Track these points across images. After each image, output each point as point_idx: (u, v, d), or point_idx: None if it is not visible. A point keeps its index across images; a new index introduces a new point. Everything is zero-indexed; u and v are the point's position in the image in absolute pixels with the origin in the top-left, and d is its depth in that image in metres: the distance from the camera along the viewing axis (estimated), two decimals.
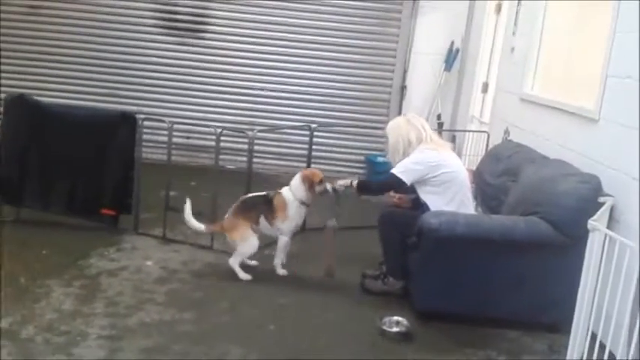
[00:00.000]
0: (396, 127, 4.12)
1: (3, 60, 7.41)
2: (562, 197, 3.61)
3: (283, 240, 4.28)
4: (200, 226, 4.23)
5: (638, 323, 2.61)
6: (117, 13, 7.44)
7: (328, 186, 4.28)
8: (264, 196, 4.29)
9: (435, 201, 3.93)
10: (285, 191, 4.29)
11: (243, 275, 4.20)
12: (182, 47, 7.52)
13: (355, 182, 4.14)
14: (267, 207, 4.23)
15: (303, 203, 4.26)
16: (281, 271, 4.31)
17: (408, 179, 3.91)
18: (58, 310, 3.52)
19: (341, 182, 4.23)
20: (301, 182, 4.25)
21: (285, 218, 4.22)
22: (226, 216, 4.28)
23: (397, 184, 3.95)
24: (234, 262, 4.20)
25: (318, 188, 4.25)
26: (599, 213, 3.11)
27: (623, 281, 2.75)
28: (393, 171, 3.96)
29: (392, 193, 4.25)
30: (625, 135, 3.62)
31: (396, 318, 3.66)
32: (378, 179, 4.07)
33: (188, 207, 4.22)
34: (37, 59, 7.52)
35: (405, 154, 4.01)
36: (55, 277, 3.94)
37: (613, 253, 2.80)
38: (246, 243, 4.17)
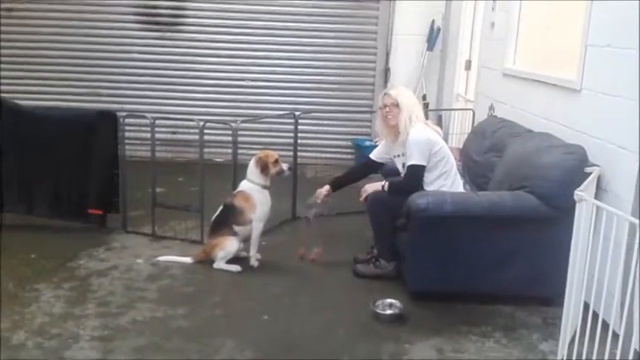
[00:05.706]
0: (410, 98, 4.11)
1: None
2: (548, 169, 3.60)
3: (257, 229, 4.26)
4: (187, 259, 4.28)
5: (629, 291, 2.61)
6: (93, 11, 7.34)
7: (284, 166, 4.31)
8: (224, 207, 4.27)
9: (433, 177, 3.98)
10: (242, 185, 4.30)
11: (233, 267, 4.19)
12: (161, 42, 7.43)
13: (386, 185, 4.06)
14: (232, 213, 4.21)
15: (264, 187, 4.26)
16: (255, 263, 4.29)
17: (425, 161, 3.95)
18: (48, 313, 3.49)
19: (371, 185, 4.13)
20: (255, 166, 4.24)
21: (253, 208, 4.22)
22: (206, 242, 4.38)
23: (422, 171, 3.96)
24: (218, 265, 4.20)
25: (273, 169, 4.25)
26: (585, 183, 3.10)
27: (612, 250, 2.75)
28: (411, 162, 3.95)
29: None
30: (607, 104, 3.61)
31: (389, 300, 3.66)
32: (400, 178, 4.10)
33: (169, 258, 4.33)
34: (14, 62, 7.40)
35: (405, 126, 4.00)
36: (44, 281, 3.91)
37: (601, 223, 2.80)
38: (224, 247, 4.17)
